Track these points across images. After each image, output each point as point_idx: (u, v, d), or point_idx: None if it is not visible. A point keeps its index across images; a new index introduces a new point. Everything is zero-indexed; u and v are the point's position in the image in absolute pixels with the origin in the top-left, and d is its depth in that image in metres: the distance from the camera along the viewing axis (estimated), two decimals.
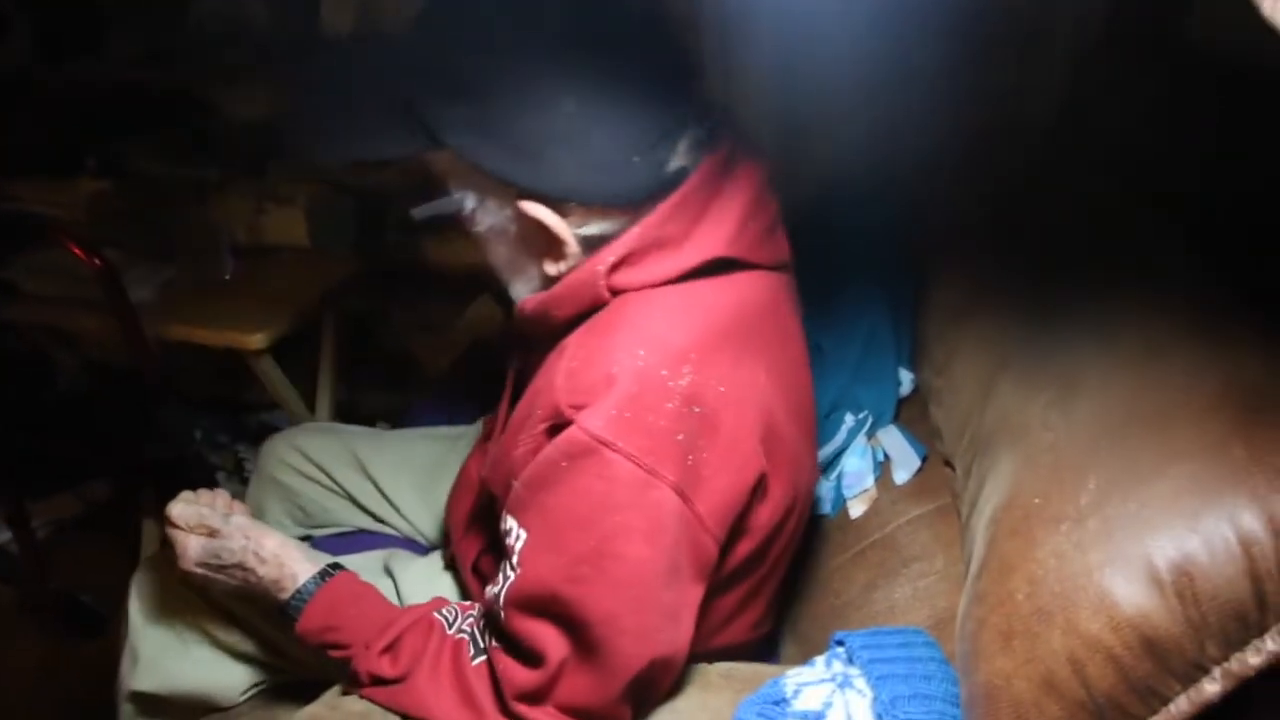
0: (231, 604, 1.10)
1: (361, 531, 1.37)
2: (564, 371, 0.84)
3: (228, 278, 1.94)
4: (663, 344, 0.83)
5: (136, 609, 1.16)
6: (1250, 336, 0.76)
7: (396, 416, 1.94)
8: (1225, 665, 0.65)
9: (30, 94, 2.09)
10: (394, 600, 1.13)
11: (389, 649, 0.93)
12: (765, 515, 0.91)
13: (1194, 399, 0.72)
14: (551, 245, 0.88)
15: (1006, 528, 0.80)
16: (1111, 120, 1.11)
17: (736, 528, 0.89)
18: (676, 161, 0.87)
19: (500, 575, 0.87)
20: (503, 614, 0.86)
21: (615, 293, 0.87)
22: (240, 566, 0.99)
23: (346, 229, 1.99)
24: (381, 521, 1.37)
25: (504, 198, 0.87)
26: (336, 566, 1.01)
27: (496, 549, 0.97)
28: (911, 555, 1.04)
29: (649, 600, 0.83)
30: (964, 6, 1.31)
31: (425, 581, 1.17)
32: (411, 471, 1.36)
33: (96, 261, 1.62)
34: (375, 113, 0.88)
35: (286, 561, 0.99)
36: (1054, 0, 1.39)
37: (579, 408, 0.81)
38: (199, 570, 1.01)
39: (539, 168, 0.84)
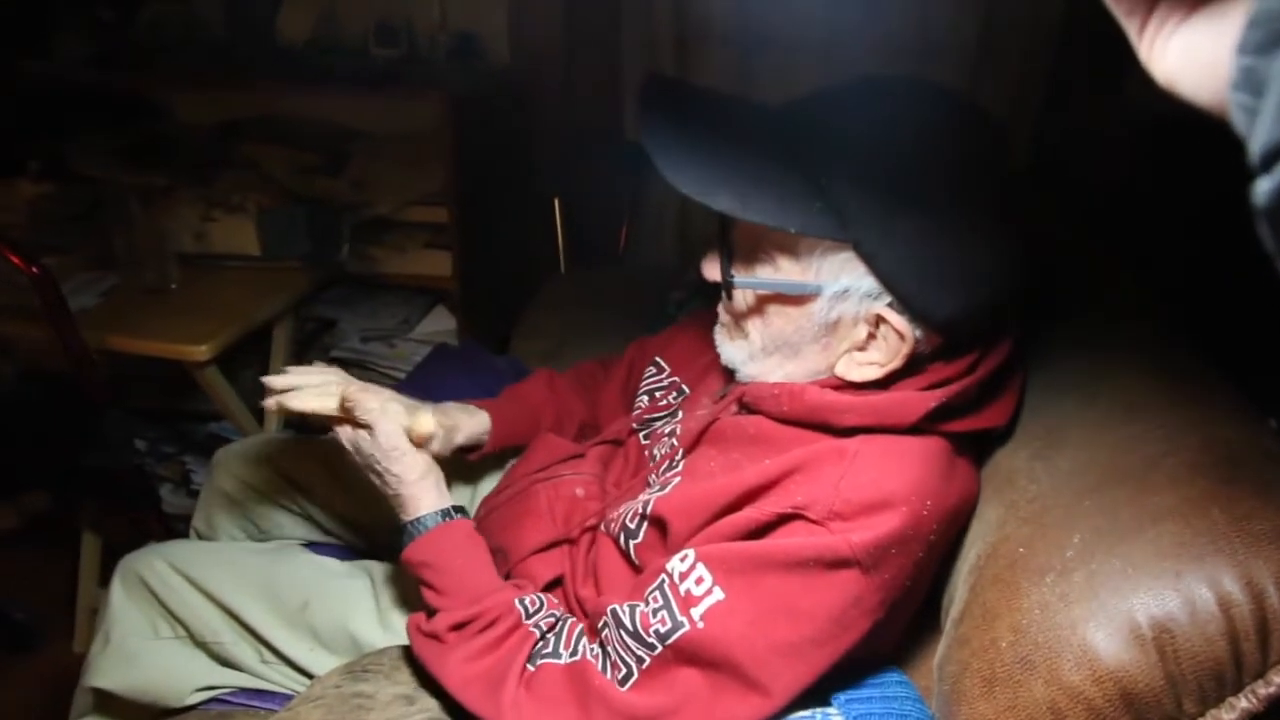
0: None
1: (314, 544, 1.35)
2: (848, 481, 0.84)
3: (173, 286, 1.89)
4: (941, 502, 0.86)
5: (119, 591, 1.17)
6: (1225, 400, 0.79)
7: None
8: None
9: None
10: (371, 607, 1.15)
11: (458, 627, 0.95)
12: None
13: (1172, 461, 0.75)
14: (866, 351, 0.90)
15: (990, 575, 0.82)
16: (1079, 172, 1.15)
17: None
18: (1008, 323, 0.93)
19: (660, 612, 0.86)
20: (659, 649, 0.85)
21: (918, 427, 0.88)
22: (378, 475, 1.05)
23: (298, 238, 1.95)
24: (337, 537, 1.35)
25: (870, 301, 0.87)
26: (459, 510, 1.05)
27: (594, 575, 1.02)
28: None
29: (793, 698, 0.85)
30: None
31: (406, 584, 1.16)
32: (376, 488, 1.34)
33: (34, 269, 1.57)
34: (779, 179, 0.86)
35: (419, 493, 1.03)
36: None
37: (846, 520, 0.82)
38: (347, 446, 1.06)
39: (940, 294, 0.85)
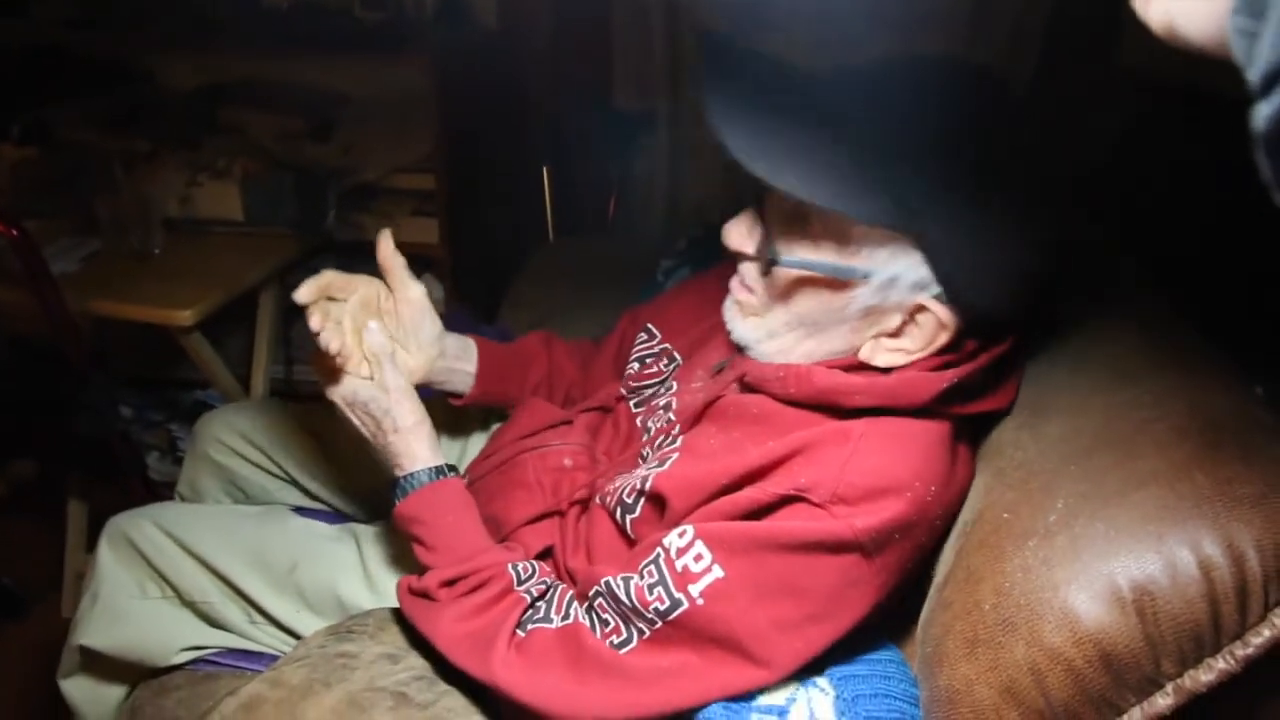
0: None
1: (301, 508, 1.35)
2: (852, 464, 0.83)
3: (157, 251, 1.88)
4: (945, 486, 0.86)
5: (106, 551, 1.17)
6: (1211, 369, 0.79)
7: None
8: (1178, 681, 0.69)
9: None
10: (358, 570, 1.15)
11: (449, 584, 0.96)
12: None
13: (1159, 426, 0.76)
14: (898, 338, 0.88)
15: (976, 540, 0.83)
16: (1069, 146, 1.15)
17: None
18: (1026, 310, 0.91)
19: (657, 589, 0.85)
20: (659, 624, 0.85)
21: (925, 408, 0.87)
22: (374, 420, 1.03)
23: (284, 204, 1.94)
24: (322, 502, 1.36)
25: (917, 291, 0.85)
26: (452, 469, 1.05)
27: (587, 547, 1.01)
28: None
29: (794, 670, 0.86)
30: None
31: (393, 547, 1.17)
32: (362, 454, 1.34)
33: (14, 232, 1.56)
34: (844, 163, 0.82)
35: (414, 443, 1.03)
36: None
37: (850, 504, 0.81)
38: (340, 401, 1.04)
39: (989, 290, 0.84)
